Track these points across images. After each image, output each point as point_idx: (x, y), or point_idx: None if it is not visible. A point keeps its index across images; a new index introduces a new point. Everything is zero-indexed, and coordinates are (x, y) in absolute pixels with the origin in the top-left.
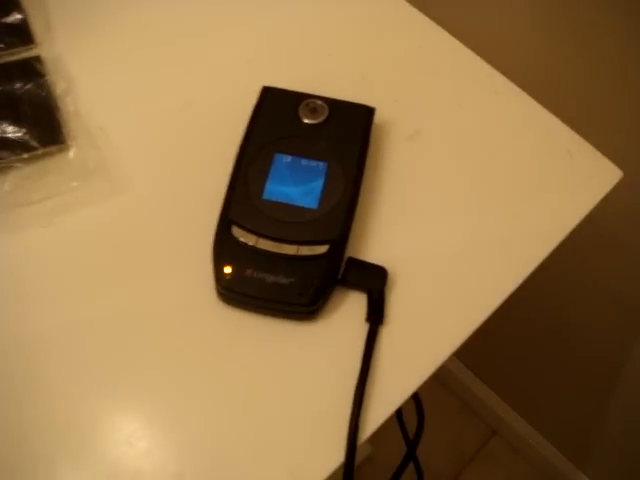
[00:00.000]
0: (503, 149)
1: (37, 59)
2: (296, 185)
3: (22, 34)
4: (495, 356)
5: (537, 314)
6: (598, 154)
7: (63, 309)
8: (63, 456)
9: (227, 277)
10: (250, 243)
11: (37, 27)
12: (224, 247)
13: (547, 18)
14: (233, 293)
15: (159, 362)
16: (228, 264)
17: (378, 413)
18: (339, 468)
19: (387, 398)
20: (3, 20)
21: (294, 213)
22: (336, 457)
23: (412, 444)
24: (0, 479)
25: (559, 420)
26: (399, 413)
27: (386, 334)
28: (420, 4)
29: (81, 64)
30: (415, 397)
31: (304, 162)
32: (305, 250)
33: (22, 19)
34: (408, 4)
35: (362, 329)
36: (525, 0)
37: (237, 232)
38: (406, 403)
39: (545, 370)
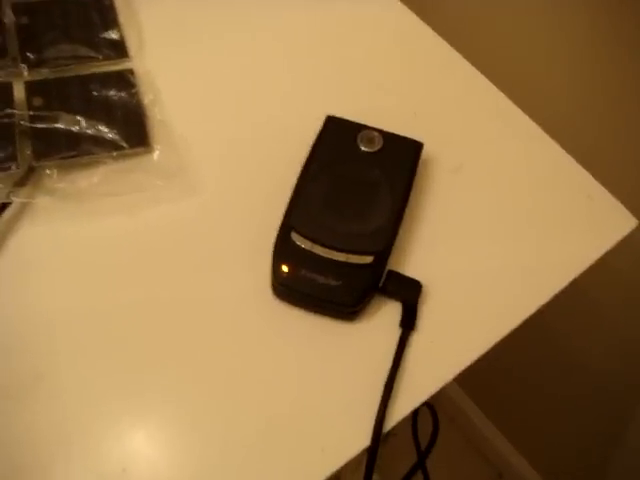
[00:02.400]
0: (532, 188)
1: (130, 71)
2: (350, 202)
3: (118, 48)
4: (506, 399)
5: (548, 357)
6: (616, 202)
7: (131, 290)
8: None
9: (284, 275)
10: (306, 247)
11: (131, 43)
12: (283, 249)
13: (580, 72)
14: (288, 289)
15: (214, 346)
16: (285, 263)
17: (403, 406)
18: (364, 451)
19: (411, 395)
20: (103, 35)
21: (347, 225)
22: (363, 441)
23: (423, 454)
24: None
25: (565, 468)
26: (414, 423)
27: (415, 340)
28: (465, 51)
29: (168, 78)
30: (431, 409)
31: (359, 184)
32: (353, 259)
33: (119, 35)
34: (457, 53)
35: (395, 333)
36: (564, 54)
37: (296, 237)
38: (422, 416)
39: (553, 416)
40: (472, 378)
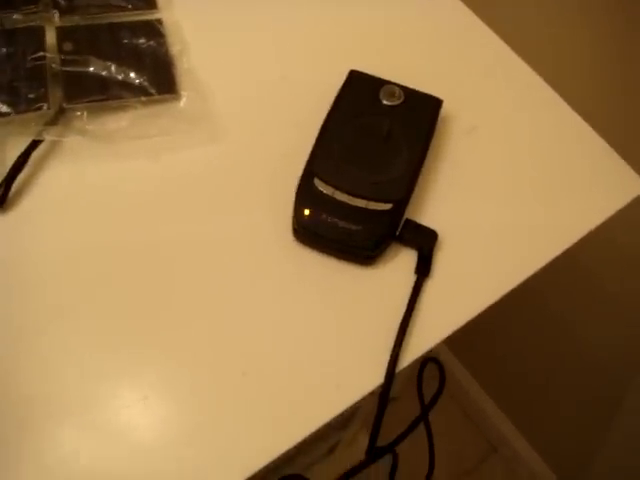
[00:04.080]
0: (544, 151)
1: (159, 21)
2: (371, 152)
3: None
4: (504, 373)
5: (547, 333)
6: (627, 166)
7: (155, 230)
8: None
9: (305, 218)
10: (328, 193)
11: None
12: (306, 193)
13: (596, 42)
14: (309, 232)
15: (235, 286)
16: (307, 207)
17: (415, 348)
18: (377, 389)
19: (424, 338)
20: None
21: (368, 173)
22: (377, 379)
23: (427, 406)
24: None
25: (560, 443)
26: (419, 377)
27: (430, 286)
28: (487, 19)
29: (195, 29)
30: (438, 364)
31: (380, 135)
32: (373, 205)
33: None
34: (479, 20)
35: (410, 279)
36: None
37: (318, 183)
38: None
39: (551, 392)
40: (471, 352)
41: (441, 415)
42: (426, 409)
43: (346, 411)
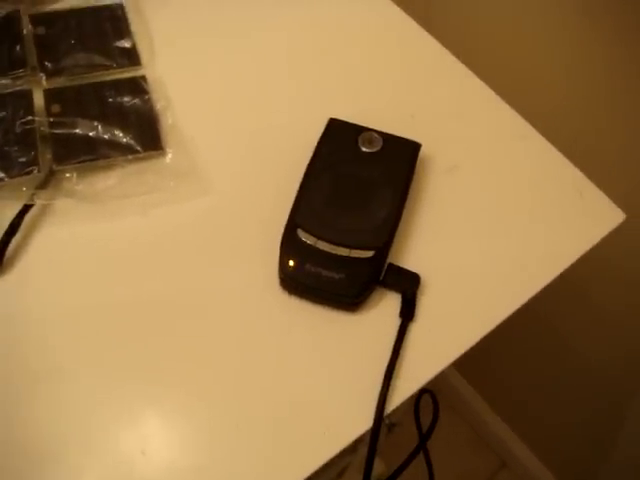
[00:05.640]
0: (524, 186)
1: (143, 78)
2: (352, 200)
3: (131, 56)
4: (509, 388)
5: (550, 348)
6: (605, 197)
7: (147, 285)
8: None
9: (290, 268)
10: (311, 243)
11: (143, 51)
12: (290, 244)
13: (571, 73)
14: (294, 282)
15: (225, 335)
16: (292, 258)
17: (403, 390)
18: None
19: (410, 380)
20: (116, 44)
21: (349, 221)
22: (365, 423)
23: (425, 436)
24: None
25: (567, 457)
26: (416, 410)
27: (414, 329)
28: (461, 55)
29: (178, 84)
30: (431, 394)
31: (360, 183)
32: (355, 253)
33: (132, 44)
34: (452, 56)
35: (395, 323)
36: (556, 55)
37: (301, 233)
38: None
39: (557, 405)
40: (475, 368)
41: (449, 433)
42: (424, 439)
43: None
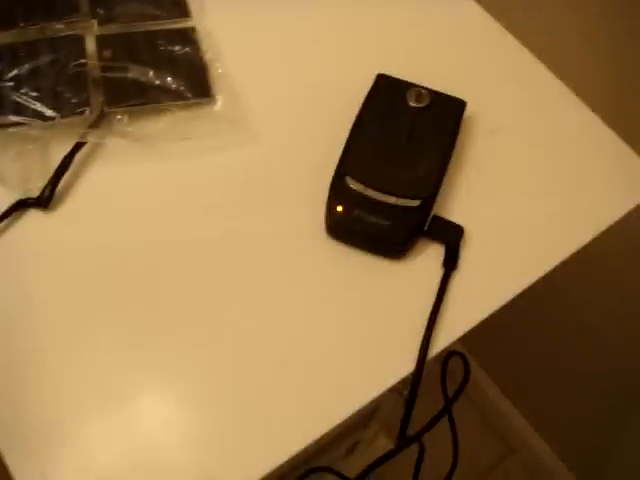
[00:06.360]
0: (564, 149)
1: (193, 29)
2: (400, 151)
3: (181, 8)
4: (521, 374)
5: (565, 334)
6: None
7: (194, 228)
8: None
9: (338, 214)
10: (359, 190)
11: (193, 3)
12: (338, 190)
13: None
14: (341, 228)
15: (272, 279)
16: (340, 204)
17: (444, 338)
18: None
19: (451, 328)
20: None
21: (397, 172)
22: (408, 366)
23: (451, 399)
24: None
25: (579, 443)
26: (443, 369)
27: (457, 278)
28: (508, 24)
29: (227, 36)
30: (462, 356)
31: (408, 135)
32: (402, 202)
33: None
34: (499, 24)
35: (437, 272)
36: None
37: (350, 180)
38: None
39: (569, 393)
40: (488, 353)
41: (459, 416)
42: (450, 401)
43: (367, 408)
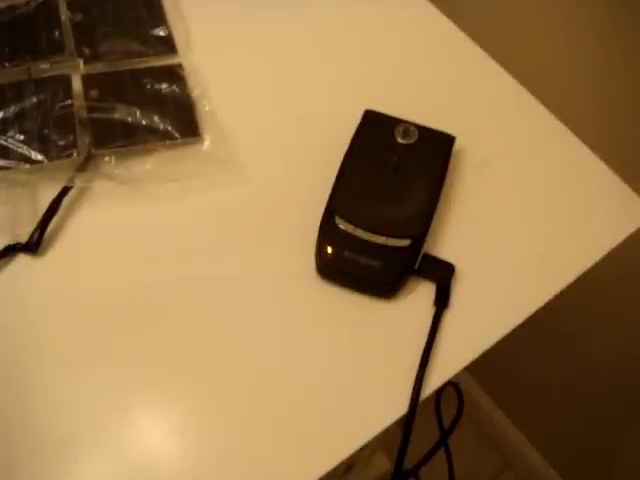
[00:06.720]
0: (553, 181)
1: (179, 66)
2: (389, 190)
3: (167, 45)
4: (517, 388)
5: (560, 348)
6: (635, 196)
7: (183, 269)
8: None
9: (328, 255)
10: (349, 230)
11: (179, 40)
12: (328, 231)
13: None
14: (331, 269)
15: (262, 321)
16: (330, 245)
17: (437, 377)
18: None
19: (444, 366)
20: (152, 32)
21: (386, 211)
22: (400, 408)
23: (447, 432)
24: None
25: (576, 458)
26: (437, 402)
27: (448, 317)
28: (493, 52)
29: (214, 73)
30: (456, 387)
31: (397, 173)
32: (392, 241)
33: (168, 32)
34: (484, 53)
35: (429, 311)
36: (588, 54)
37: (339, 220)
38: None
39: (565, 406)
40: (484, 368)
41: (456, 432)
42: (446, 433)
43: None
